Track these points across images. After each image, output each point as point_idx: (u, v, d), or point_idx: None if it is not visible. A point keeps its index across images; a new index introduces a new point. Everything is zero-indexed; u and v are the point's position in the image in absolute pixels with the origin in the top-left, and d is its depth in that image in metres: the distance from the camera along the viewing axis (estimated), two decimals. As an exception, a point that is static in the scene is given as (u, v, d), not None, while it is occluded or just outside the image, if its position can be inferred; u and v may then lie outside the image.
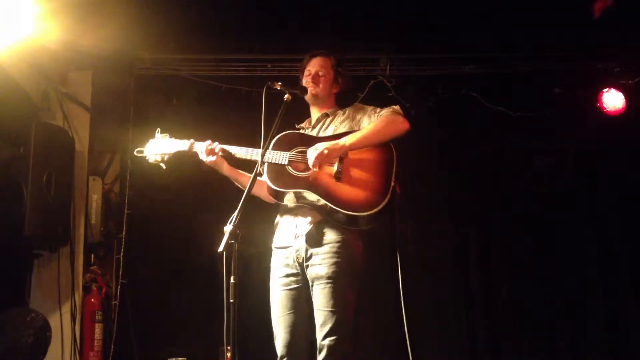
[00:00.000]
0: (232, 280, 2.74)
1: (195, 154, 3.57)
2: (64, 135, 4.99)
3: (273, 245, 3.53)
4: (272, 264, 3.50)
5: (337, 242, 3.28)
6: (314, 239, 3.31)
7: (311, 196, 3.30)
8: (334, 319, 3.19)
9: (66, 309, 4.95)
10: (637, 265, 5.26)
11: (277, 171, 3.35)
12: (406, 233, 5.23)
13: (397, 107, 3.46)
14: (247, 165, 3.50)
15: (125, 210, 5.27)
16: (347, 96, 5.19)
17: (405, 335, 3.34)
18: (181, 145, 3.60)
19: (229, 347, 2.70)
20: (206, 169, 3.60)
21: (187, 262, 5.27)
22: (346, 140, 3.28)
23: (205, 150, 3.52)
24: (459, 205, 5.44)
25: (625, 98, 5.27)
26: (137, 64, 5.39)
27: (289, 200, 3.42)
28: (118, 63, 5.29)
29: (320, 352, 3.22)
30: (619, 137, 5.29)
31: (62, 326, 4.89)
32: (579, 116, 5.36)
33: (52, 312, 4.86)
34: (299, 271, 3.36)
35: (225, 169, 3.56)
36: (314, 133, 3.59)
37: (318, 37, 4.95)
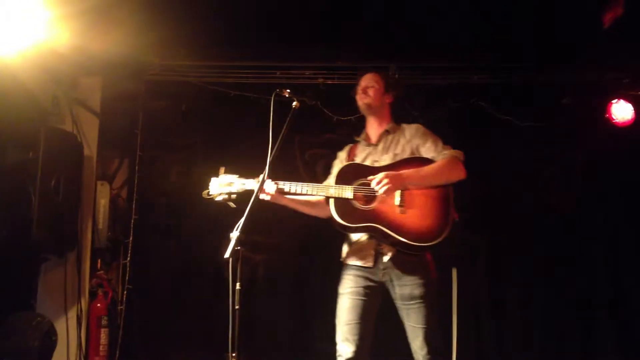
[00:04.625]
0: (237, 287, 2.74)
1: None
2: (73, 140, 5.01)
3: (349, 262, 3.67)
4: (346, 276, 3.66)
5: (422, 265, 3.54)
6: (400, 263, 3.50)
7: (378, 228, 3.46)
8: (430, 335, 3.48)
9: (72, 313, 4.96)
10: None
11: (343, 206, 3.49)
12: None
13: (460, 154, 3.65)
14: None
15: (133, 216, 5.28)
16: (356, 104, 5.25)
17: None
18: (248, 184, 3.60)
19: (234, 354, 2.70)
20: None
21: (193, 268, 5.27)
22: (408, 175, 3.46)
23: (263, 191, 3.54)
24: (466, 215, 5.41)
25: (634, 109, 5.25)
26: (147, 70, 5.41)
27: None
28: (128, 68, 5.30)
29: None
30: (627, 148, 5.27)
31: (67, 331, 4.90)
32: (587, 127, 5.34)
33: (58, 317, 4.87)
34: (377, 286, 3.56)
35: (284, 200, 3.67)
36: (378, 151, 3.76)
37: (327, 45, 4.97)
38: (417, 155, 3.66)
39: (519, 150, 5.47)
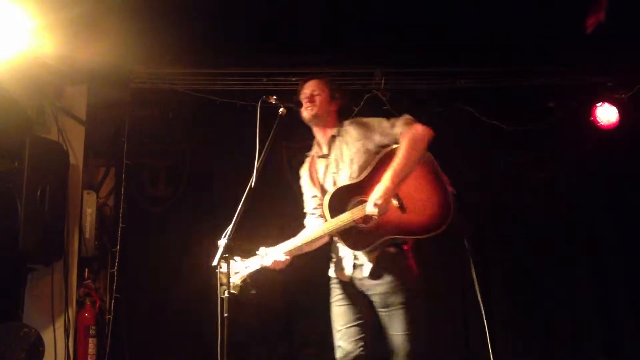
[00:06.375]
0: (225, 295, 2.74)
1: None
2: (59, 149, 4.99)
3: (332, 275, 3.64)
4: (332, 285, 3.63)
5: (401, 270, 3.39)
6: (377, 270, 3.39)
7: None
8: (413, 342, 3.33)
9: (60, 323, 4.92)
10: (631, 269, 5.29)
11: (350, 233, 3.40)
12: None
13: (409, 117, 3.50)
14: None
15: (120, 224, 5.25)
16: (342, 110, 5.25)
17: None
18: (255, 263, 3.49)
19: (222, 362, 2.69)
20: None
21: (181, 276, 5.24)
22: (391, 181, 3.31)
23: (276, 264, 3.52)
24: (453, 219, 5.42)
25: (618, 112, 5.29)
26: (133, 78, 5.39)
27: None
28: (113, 77, 5.28)
29: None
30: (612, 151, 5.31)
31: (55, 341, 4.86)
32: (572, 130, 5.38)
33: (46, 327, 4.83)
34: (361, 293, 3.47)
35: (290, 255, 3.55)
36: (332, 161, 3.62)
37: (313, 51, 4.97)
38: (379, 151, 3.52)
39: (505, 154, 5.50)
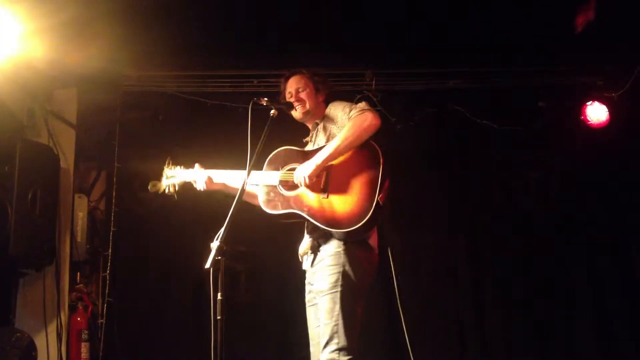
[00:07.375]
0: (219, 297, 2.72)
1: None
2: (49, 153, 4.97)
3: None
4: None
5: (332, 254, 3.24)
6: (314, 256, 3.34)
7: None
8: (328, 332, 3.13)
9: (52, 328, 4.91)
10: (624, 275, 5.31)
11: (268, 192, 3.39)
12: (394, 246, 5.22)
13: (363, 105, 3.37)
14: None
15: (111, 228, 5.24)
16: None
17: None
18: (188, 176, 3.74)
19: (217, 365, 2.68)
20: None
21: (173, 279, 5.23)
22: (318, 158, 3.26)
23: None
24: (445, 219, 5.44)
25: (608, 111, 5.31)
26: (123, 81, 5.38)
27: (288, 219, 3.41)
28: (104, 80, 5.26)
29: None
30: (602, 149, 5.33)
31: (48, 346, 4.85)
32: (563, 129, 5.39)
33: (38, 332, 4.81)
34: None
35: (216, 185, 3.65)
36: (313, 144, 3.59)
37: (304, 52, 4.96)
38: None
39: (497, 154, 5.51)
